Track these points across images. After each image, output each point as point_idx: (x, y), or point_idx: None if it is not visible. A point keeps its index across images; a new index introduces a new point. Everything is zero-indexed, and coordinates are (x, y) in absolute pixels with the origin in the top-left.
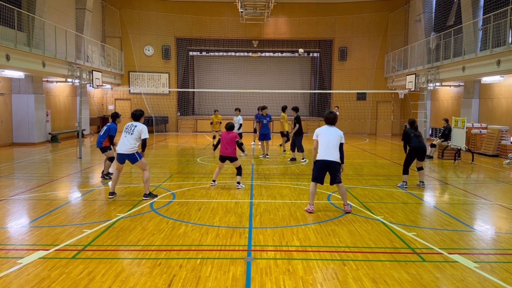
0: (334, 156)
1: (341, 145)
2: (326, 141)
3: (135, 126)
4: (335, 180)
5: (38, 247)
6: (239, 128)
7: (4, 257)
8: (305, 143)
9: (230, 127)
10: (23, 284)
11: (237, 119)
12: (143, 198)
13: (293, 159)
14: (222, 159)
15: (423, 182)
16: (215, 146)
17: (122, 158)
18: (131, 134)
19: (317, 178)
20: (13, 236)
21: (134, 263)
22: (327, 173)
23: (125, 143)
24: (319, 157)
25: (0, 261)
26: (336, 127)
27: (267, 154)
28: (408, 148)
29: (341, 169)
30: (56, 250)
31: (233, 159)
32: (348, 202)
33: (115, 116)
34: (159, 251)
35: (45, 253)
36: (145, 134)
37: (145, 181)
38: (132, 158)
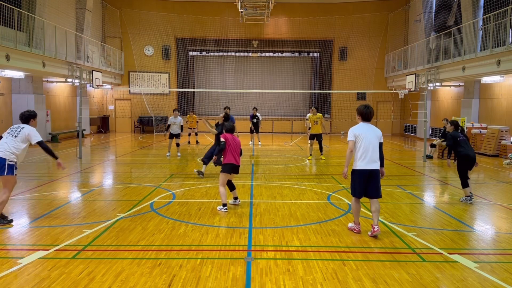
0: (376, 164)
1: (380, 145)
2: (367, 144)
3: (22, 128)
4: (378, 193)
5: (38, 247)
6: (181, 130)
7: (4, 257)
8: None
9: (232, 128)
10: (23, 284)
11: (178, 121)
12: None
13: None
14: (236, 169)
15: (471, 194)
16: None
17: None
18: (15, 136)
19: (357, 191)
20: (13, 236)
21: (134, 263)
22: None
23: (3, 145)
24: (359, 166)
25: (0, 261)
26: (373, 125)
27: None
28: (454, 155)
29: (382, 175)
30: (56, 250)
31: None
32: (377, 224)
33: None
34: (159, 251)
35: (45, 253)
36: (36, 137)
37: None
38: (1, 165)
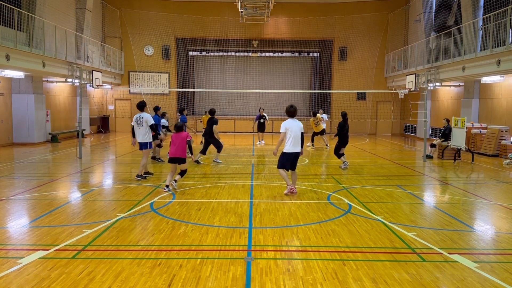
0: (299, 148)
1: (302, 134)
2: (293, 134)
3: (142, 117)
4: (295, 167)
5: (38, 247)
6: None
7: (4, 257)
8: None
9: (180, 127)
10: (23, 284)
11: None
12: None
13: (197, 162)
14: (171, 160)
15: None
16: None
17: (140, 146)
18: (142, 125)
19: (286, 166)
20: (13, 236)
21: (134, 263)
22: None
23: (140, 134)
24: (288, 149)
25: (0, 261)
26: (296, 119)
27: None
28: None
29: (301, 154)
30: (56, 250)
31: (182, 160)
32: (295, 186)
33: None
34: (159, 251)
35: (45, 253)
36: (150, 122)
37: (142, 165)
38: (145, 146)
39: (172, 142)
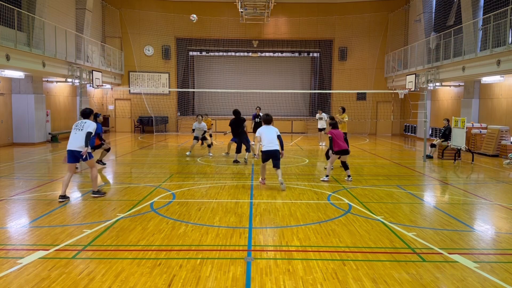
0: (275, 146)
1: (278, 136)
2: (266, 136)
3: (85, 122)
4: (277, 165)
5: (38, 247)
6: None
7: (4, 257)
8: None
9: (335, 124)
10: (23, 284)
11: (202, 126)
12: (92, 195)
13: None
14: (344, 152)
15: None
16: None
17: (73, 155)
18: (81, 130)
19: (265, 160)
20: (13, 236)
21: (134, 263)
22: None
23: (77, 140)
24: (265, 148)
25: (0, 261)
26: (272, 126)
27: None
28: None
29: (281, 155)
30: (56, 250)
31: (347, 152)
32: (282, 180)
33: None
34: (159, 251)
35: (45, 253)
36: (89, 129)
37: (94, 178)
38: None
39: (337, 138)
